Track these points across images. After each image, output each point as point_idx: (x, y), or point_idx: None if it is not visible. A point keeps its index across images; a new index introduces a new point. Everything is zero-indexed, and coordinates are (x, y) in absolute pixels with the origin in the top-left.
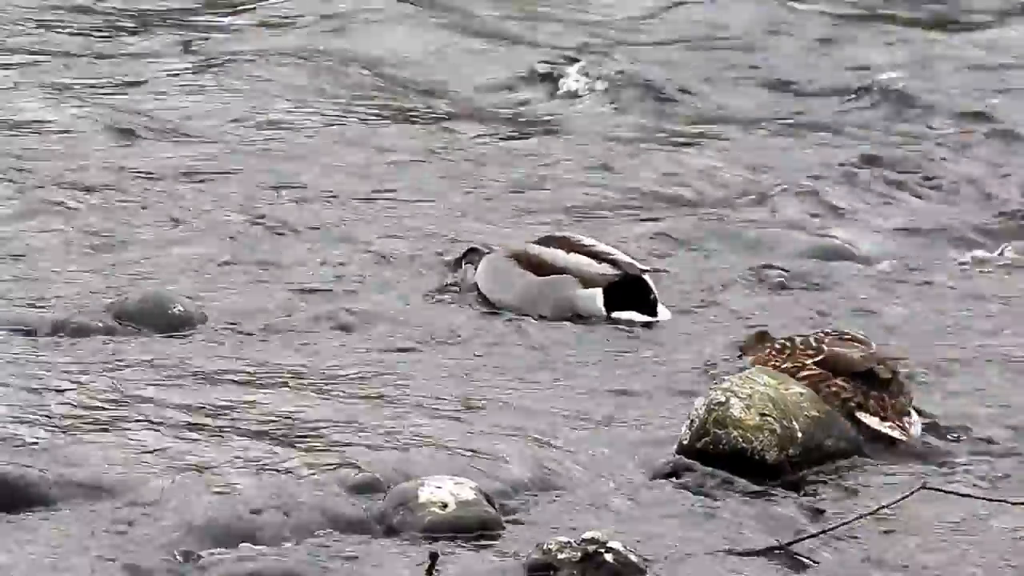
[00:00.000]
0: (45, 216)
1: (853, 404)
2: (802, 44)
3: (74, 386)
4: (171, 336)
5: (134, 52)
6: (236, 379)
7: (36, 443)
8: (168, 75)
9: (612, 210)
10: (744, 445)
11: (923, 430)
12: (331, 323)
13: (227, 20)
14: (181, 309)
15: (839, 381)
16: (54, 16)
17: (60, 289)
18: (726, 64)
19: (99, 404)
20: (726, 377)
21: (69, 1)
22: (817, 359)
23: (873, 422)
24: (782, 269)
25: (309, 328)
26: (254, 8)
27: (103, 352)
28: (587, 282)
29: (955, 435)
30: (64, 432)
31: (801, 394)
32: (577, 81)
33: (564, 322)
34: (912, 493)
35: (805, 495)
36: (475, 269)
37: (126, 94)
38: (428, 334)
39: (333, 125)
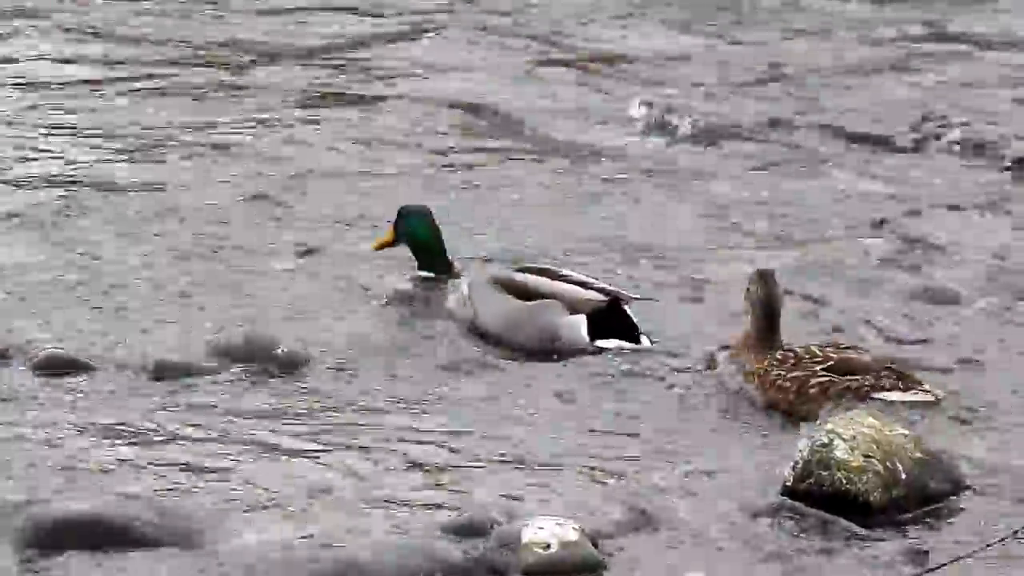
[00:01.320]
0: (144, 250)
1: (867, 388)
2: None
3: (177, 427)
4: (275, 376)
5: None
6: (337, 419)
7: (140, 483)
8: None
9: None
10: (848, 486)
11: None
12: (435, 362)
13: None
14: (285, 349)
15: (848, 377)
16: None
17: (162, 327)
18: (805, 100)
19: (200, 445)
20: (829, 418)
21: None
22: (827, 366)
23: (895, 395)
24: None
25: (412, 367)
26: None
27: (205, 392)
28: (573, 308)
29: None
30: (167, 473)
31: (904, 435)
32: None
33: (639, 359)
34: (1016, 533)
35: (909, 536)
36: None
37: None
38: (521, 377)
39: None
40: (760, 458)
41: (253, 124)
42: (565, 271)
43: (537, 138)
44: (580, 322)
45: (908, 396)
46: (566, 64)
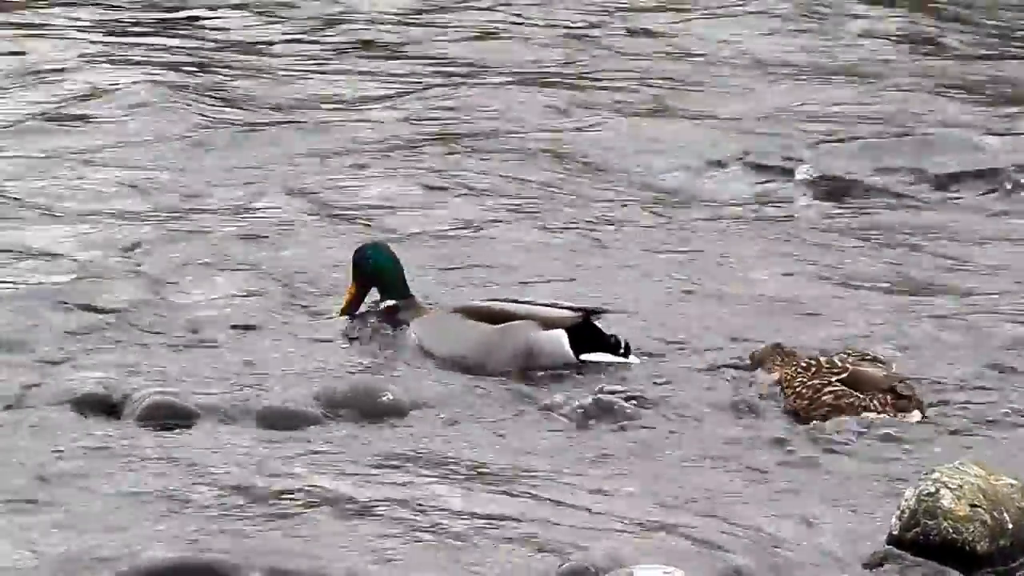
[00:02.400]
0: (244, 295)
1: (861, 407)
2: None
3: (285, 475)
4: (378, 425)
5: None
6: (442, 466)
7: (244, 530)
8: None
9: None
10: (955, 536)
11: None
12: (534, 407)
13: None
14: (390, 398)
15: (858, 393)
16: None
17: (268, 374)
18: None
19: (307, 494)
20: (935, 468)
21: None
22: (842, 376)
23: (884, 419)
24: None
25: (508, 417)
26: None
27: (310, 441)
28: (549, 324)
29: None
30: (270, 520)
31: (1012, 485)
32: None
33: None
34: None
35: None
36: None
37: None
38: (618, 423)
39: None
40: (859, 503)
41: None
42: (527, 298)
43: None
44: (560, 336)
45: (876, 416)
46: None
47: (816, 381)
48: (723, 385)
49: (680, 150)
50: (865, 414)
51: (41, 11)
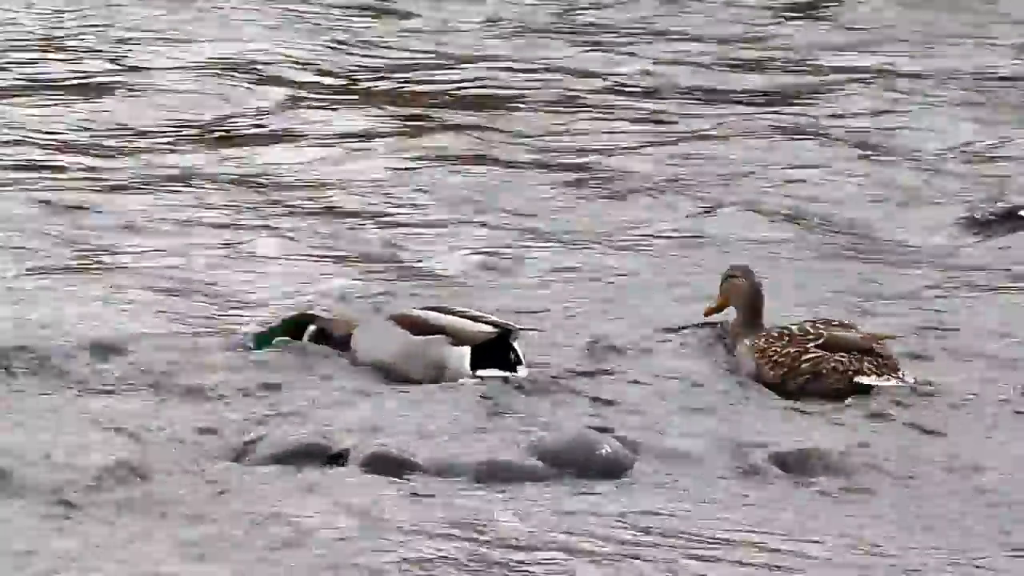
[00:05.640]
0: None
1: (851, 371)
2: None
3: (505, 529)
4: (597, 481)
5: None
6: (658, 524)
7: None
8: None
9: None
10: None
11: None
12: (748, 463)
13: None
14: (608, 451)
15: (838, 356)
16: None
17: (482, 428)
18: None
19: (530, 552)
20: None
21: None
22: (819, 342)
23: (872, 379)
24: None
25: (732, 468)
26: None
27: (531, 494)
28: (460, 341)
29: None
30: None
31: None
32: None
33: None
34: None
35: None
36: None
37: None
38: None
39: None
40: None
41: None
42: (461, 308)
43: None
44: (464, 354)
45: (881, 381)
46: None
47: (792, 349)
48: None
49: None
50: (861, 378)
51: None
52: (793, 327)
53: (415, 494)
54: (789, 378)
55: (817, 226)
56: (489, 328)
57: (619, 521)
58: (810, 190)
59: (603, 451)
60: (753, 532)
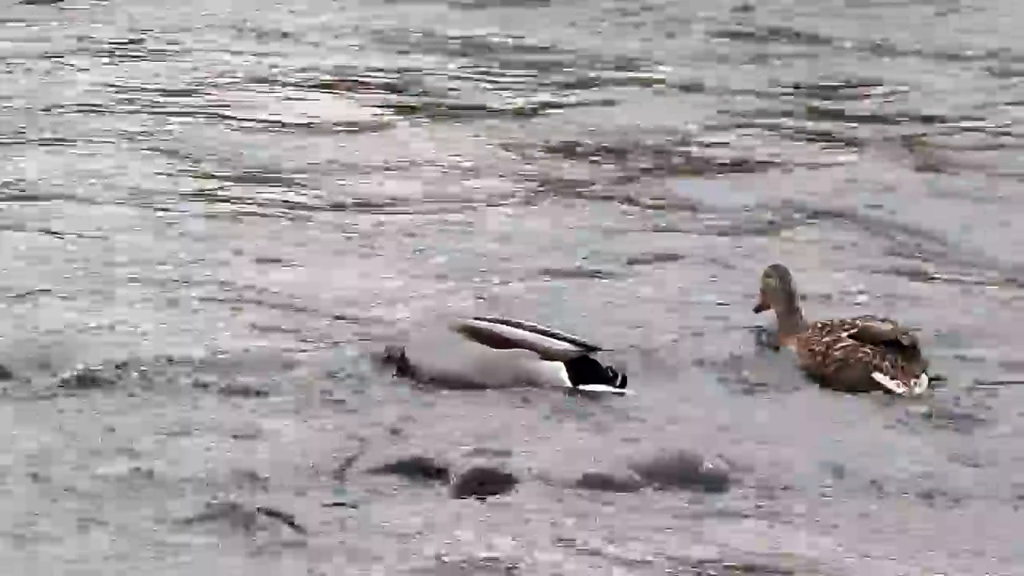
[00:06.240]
0: None
1: (872, 366)
2: None
3: (606, 545)
4: (696, 495)
5: None
6: (757, 541)
7: None
8: None
9: None
10: None
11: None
12: (864, 480)
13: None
14: (710, 467)
15: (866, 348)
16: None
17: (582, 440)
18: None
19: (631, 568)
20: None
21: None
22: (852, 332)
23: (883, 379)
24: None
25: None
26: None
27: (632, 510)
28: (547, 356)
29: None
30: None
31: None
32: None
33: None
34: None
35: None
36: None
37: None
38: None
39: None
40: None
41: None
42: (518, 320)
43: None
44: (558, 368)
45: (890, 385)
46: None
47: (828, 338)
48: None
49: None
50: (876, 375)
51: None
52: (836, 320)
53: (508, 505)
54: (824, 366)
55: None
56: (572, 347)
57: (695, 537)
58: None
59: (705, 466)
60: (868, 558)
